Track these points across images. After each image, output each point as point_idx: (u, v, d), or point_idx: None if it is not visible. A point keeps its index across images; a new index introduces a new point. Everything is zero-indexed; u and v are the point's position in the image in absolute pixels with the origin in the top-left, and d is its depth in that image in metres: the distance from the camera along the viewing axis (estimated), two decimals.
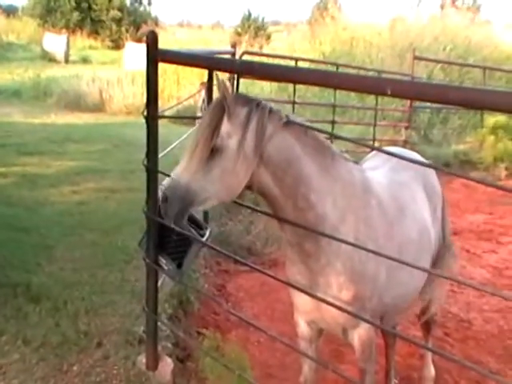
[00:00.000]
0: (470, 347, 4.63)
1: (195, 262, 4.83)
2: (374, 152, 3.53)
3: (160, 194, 2.52)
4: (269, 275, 2.81)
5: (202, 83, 6.75)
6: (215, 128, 2.28)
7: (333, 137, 5.75)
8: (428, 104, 11.77)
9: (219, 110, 2.30)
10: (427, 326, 3.96)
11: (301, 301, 2.79)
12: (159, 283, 3.49)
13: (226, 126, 2.28)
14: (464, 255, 6.69)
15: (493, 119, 12.18)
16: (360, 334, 2.72)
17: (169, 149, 3.82)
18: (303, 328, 2.95)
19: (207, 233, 3.31)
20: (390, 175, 3.08)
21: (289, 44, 18.06)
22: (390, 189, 2.93)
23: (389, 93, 2.04)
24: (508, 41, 18.56)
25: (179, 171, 2.28)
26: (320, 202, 2.44)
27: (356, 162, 2.82)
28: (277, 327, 4.45)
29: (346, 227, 2.53)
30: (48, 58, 26.44)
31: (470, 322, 5.05)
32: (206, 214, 5.85)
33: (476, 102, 1.82)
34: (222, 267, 5.75)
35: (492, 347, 4.63)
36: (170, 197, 2.28)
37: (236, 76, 8.42)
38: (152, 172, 3.17)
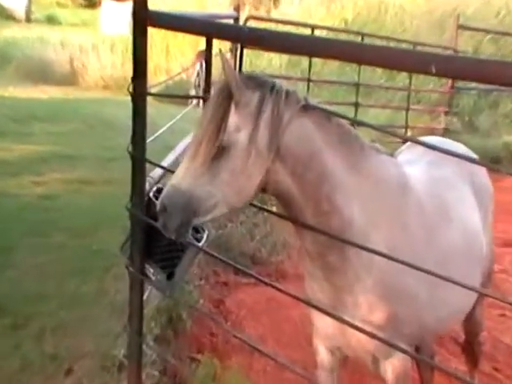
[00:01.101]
0: None
1: (189, 272, 4.81)
2: (409, 143, 3.52)
3: (152, 193, 2.43)
4: (278, 289, 2.80)
5: (198, 54, 6.73)
6: (221, 121, 2.25)
7: (355, 123, 5.74)
8: (473, 84, 11.73)
9: (225, 97, 2.27)
10: (473, 358, 3.94)
11: (322, 323, 2.79)
12: (145, 296, 3.49)
13: (233, 118, 2.26)
14: None
15: None
16: (394, 366, 2.71)
17: (158, 133, 3.81)
18: (324, 356, 2.95)
19: (204, 236, 3.30)
20: (431, 171, 3.07)
21: (302, 9, 18.00)
22: (431, 187, 2.93)
23: (433, 71, 2.00)
24: None
25: (180, 175, 2.27)
26: (347, 204, 2.43)
27: (390, 155, 2.80)
28: (287, 353, 4.44)
29: (379, 234, 2.53)
30: (5, 16, 26.39)
31: None
32: None
33: None
34: (220, 278, 5.73)
35: None
36: (169, 206, 2.26)
37: (240, 47, 8.43)
38: (138, 161, 3.16)
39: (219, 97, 2.28)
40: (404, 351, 2.55)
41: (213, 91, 2.36)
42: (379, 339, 2.43)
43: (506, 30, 14.74)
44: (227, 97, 2.26)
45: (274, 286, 2.97)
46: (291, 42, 2.53)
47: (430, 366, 3.63)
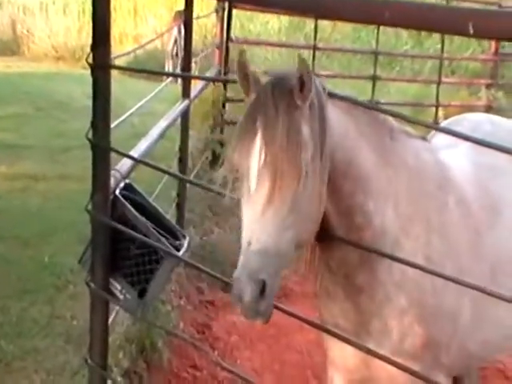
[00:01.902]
0: None
1: (165, 289, 4.81)
2: (448, 121, 3.55)
3: (118, 191, 2.33)
4: (280, 309, 2.82)
5: (176, 16, 6.78)
6: (299, 138, 2.14)
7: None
8: None
9: (289, 103, 2.17)
10: None
11: (341, 353, 2.82)
12: (110, 320, 3.50)
13: (305, 130, 2.18)
14: None
15: None
16: None
17: (126, 115, 3.82)
18: None
19: (185, 244, 3.33)
20: (476, 157, 3.06)
21: None
22: (476, 178, 2.96)
23: (471, 32, 2.01)
24: None
25: (258, 231, 2.09)
26: (380, 210, 2.48)
27: (424, 138, 2.83)
28: None
29: (413, 242, 2.57)
30: None
31: None
32: (181, 216, 5.88)
33: None
34: (205, 297, 5.75)
35: None
36: (269, 285, 2.08)
37: (228, 6, 8.46)
38: (100, 150, 3.18)
39: (282, 99, 2.16)
40: None
41: (263, 94, 2.19)
42: (413, 372, 2.46)
43: None
44: (291, 103, 2.17)
45: (275, 306, 2.98)
46: None
47: None
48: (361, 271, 2.54)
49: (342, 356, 2.83)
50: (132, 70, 10.95)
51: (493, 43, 10.90)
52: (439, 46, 11.09)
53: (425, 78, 12.00)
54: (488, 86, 11.23)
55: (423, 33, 13.41)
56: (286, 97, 2.16)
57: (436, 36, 12.35)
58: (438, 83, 10.55)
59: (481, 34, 2.01)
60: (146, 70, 12.01)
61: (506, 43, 11.13)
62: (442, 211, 2.65)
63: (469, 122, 3.43)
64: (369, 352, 2.49)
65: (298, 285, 6.15)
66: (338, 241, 2.48)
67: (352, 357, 2.76)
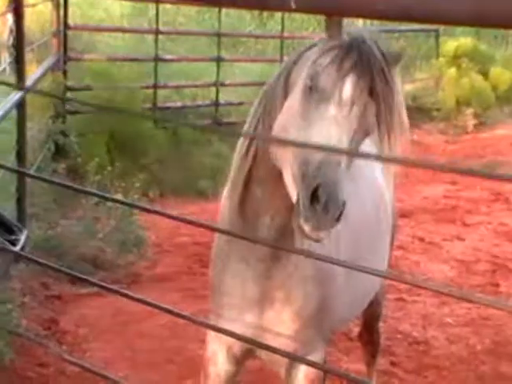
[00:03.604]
0: (430, 381, 4.81)
1: (4, 286, 4.66)
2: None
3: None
4: (130, 297, 2.75)
5: (10, 3, 6.50)
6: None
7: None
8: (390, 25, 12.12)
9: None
10: (371, 349, 4.21)
11: (237, 324, 2.82)
12: None
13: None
14: (417, 246, 6.99)
15: (453, 44, 12.77)
16: (308, 371, 2.89)
17: None
18: (222, 366, 3.00)
19: (22, 238, 3.23)
20: None
21: None
22: None
23: (293, 7, 1.98)
24: None
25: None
26: None
27: None
28: (143, 376, 4.45)
29: None
30: None
31: (427, 344, 5.25)
32: (22, 211, 5.68)
33: (425, 12, 1.78)
34: (51, 291, 5.59)
35: (460, 378, 4.83)
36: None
37: None
38: None
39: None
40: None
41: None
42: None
43: None
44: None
45: (123, 294, 2.92)
46: None
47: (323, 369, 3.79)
48: (290, 235, 2.61)
49: (237, 328, 2.79)
50: None
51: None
52: (280, 26, 11.26)
53: (269, 58, 12.15)
54: None
55: (265, 14, 13.59)
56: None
57: (278, 16, 12.52)
58: (281, 61, 10.70)
59: (302, 9, 2.01)
60: None
61: None
62: None
63: None
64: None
65: (147, 269, 6.13)
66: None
67: (251, 326, 2.82)
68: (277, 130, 2.41)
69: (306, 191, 2.15)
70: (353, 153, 2.27)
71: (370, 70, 2.29)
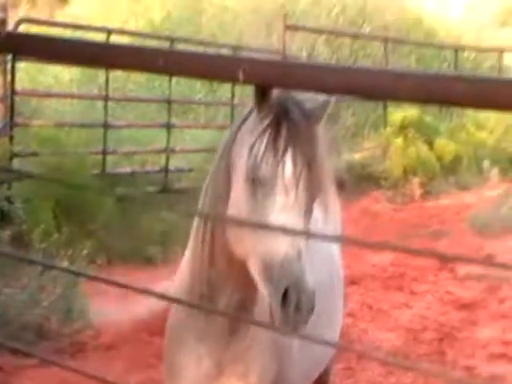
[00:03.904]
0: None
1: None
2: None
3: None
4: (73, 370, 2.70)
5: None
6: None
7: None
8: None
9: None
10: None
11: None
12: None
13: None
14: (366, 313, 6.99)
15: (400, 114, 13.02)
16: None
17: None
18: None
19: None
20: None
21: (100, 8, 17.97)
22: None
23: (241, 78, 2.04)
24: (416, 2, 20.08)
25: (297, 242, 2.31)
26: None
27: None
28: None
29: None
30: None
31: None
32: None
33: (370, 88, 1.85)
34: None
35: None
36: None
37: (12, 58, 8.24)
38: None
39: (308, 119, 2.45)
40: None
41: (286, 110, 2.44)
42: None
43: (341, 30, 15.72)
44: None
45: (64, 366, 2.88)
46: (66, 49, 2.47)
47: None
48: (251, 306, 2.66)
49: None
50: None
51: None
52: (230, 94, 11.40)
53: (219, 124, 12.24)
54: None
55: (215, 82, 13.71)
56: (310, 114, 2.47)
57: (228, 84, 12.65)
58: None
59: (250, 80, 2.06)
60: None
61: None
62: None
63: None
64: None
65: (93, 338, 6.01)
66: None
67: None
68: (231, 226, 2.45)
69: (275, 297, 2.22)
70: (310, 234, 2.34)
71: (303, 140, 2.38)
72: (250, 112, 2.54)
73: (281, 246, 2.24)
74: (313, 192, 2.37)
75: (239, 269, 2.51)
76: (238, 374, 2.75)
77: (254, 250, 2.31)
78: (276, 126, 2.37)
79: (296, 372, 2.96)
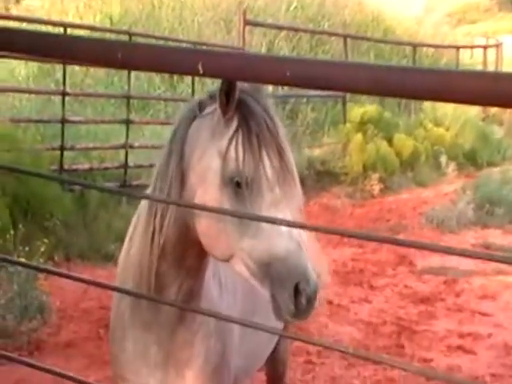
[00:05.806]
0: None
1: None
2: None
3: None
4: (32, 366, 2.68)
5: None
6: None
7: None
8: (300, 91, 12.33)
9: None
10: None
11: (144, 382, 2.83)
12: None
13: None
14: (326, 308, 7.03)
15: (359, 110, 13.13)
16: None
17: None
18: None
19: None
20: None
21: (56, 2, 17.79)
22: None
23: (201, 72, 2.05)
24: (375, 0, 20.25)
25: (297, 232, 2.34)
26: None
27: None
28: None
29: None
30: None
31: None
32: None
33: (329, 80, 1.87)
34: None
35: None
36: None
37: None
38: None
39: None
40: None
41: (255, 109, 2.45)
42: None
43: (299, 26, 15.81)
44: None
45: (23, 362, 2.86)
46: (15, 39, 2.46)
47: None
48: (200, 293, 2.72)
49: None
50: None
51: None
52: (190, 89, 11.38)
53: None
54: None
55: (175, 77, 13.68)
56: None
57: (188, 79, 12.65)
58: None
59: (209, 73, 2.08)
60: None
61: None
62: None
63: None
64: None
65: (51, 336, 5.96)
66: None
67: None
68: (208, 228, 2.42)
69: (284, 293, 2.23)
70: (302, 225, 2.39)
71: (271, 135, 2.40)
72: (200, 110, 2.52)
73: (280, 242, 2.25)
74: (290, 184, 2.39)
75: (193, 260, 2.55)
76: (185, 358, 2.78)
77: (243, 249, 2.29)
78: (246, 126, 2.38)
79: (237, 355, 3.00)
